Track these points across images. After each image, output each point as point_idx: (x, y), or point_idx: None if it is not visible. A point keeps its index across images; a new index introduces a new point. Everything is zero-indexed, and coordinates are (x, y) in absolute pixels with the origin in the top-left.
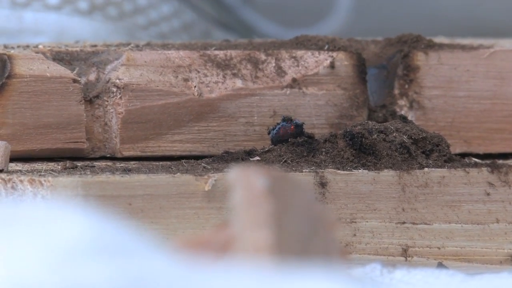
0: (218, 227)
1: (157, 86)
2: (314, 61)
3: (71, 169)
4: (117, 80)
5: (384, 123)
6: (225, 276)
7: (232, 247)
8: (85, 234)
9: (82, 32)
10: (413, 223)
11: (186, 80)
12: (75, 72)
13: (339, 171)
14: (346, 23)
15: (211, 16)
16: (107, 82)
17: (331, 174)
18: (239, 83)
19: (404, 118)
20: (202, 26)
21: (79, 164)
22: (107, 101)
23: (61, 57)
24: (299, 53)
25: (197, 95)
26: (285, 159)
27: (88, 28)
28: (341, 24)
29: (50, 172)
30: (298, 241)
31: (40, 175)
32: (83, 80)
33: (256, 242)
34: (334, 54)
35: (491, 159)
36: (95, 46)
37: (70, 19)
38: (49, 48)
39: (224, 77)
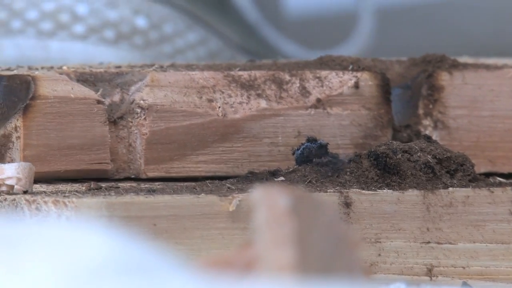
0: (242, 246)
1: (182, 107)
2: (338, 81)
3: (96, 190)
4: (141, 101)
5: (409, 143)
6: None
7: (256, 267)
8: (108, 255)
9: (108, 61)
10: (438, 243)
11: (210, 100)
12: (99, 93)
13: (363, 191)
14: (368, 44)
15: (236, 44)
16: (131, 103)
17: (356, 194)
18: (263, 103)
19: (428, 138)
20: (228, 53)
21: (104, 185)
22: (132, 122)
23: (85, 78)
24: (323, 73)
25: (222, 115)
26: (309, 179)
27: (114, 57)
28: (363, 45)
29: (75, 193)
30: (321, 260)
31: (64, 196)
32: (107, 101)
33: (279, 261)
34: (358, 74)
35: None
36: (119, 67)
37: (96, 48)
38: (73, 69)
39: (248, 97)
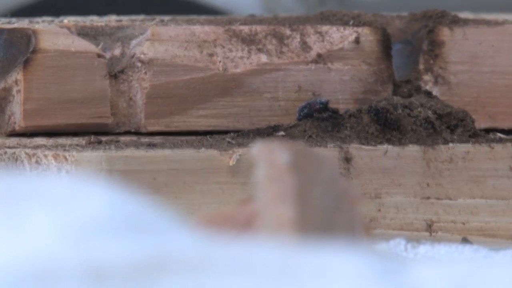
0: (242, 202)
1: (182, 61)
2: (339, 36)
3: (96, 144)
4: (142, 55)
5: (409, 98)
6: (247, 252)
7: (256, 222)
8: (107, 210)
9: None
10: (438, 199)
11: (211, 55)
12: (100, 47)
13: (363, 146)
14: None
15: None
16: (132, 57)
17: (356, 149)
18: (264, 58)
19: (429, 93)
20: None
21: (104, 139)
22: (132, 76)
23: (86, 32)
24: (324, 28)
25: (222, 70)
26: (309, 134)
27: None
28: None
29: (75, 147)
30: (322, 216)
31: (64, 150)
32: (108, 55)
33: (279, 217)
34: (359, 29)
35: None
36: (120, 21)
37: None
38: (74, 22)
39: (249, 52)
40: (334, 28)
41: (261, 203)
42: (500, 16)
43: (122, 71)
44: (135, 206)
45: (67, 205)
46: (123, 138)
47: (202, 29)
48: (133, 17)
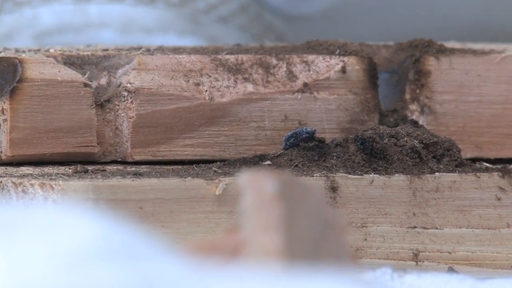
0: (229, 231)
1: (168, 91)
2: (325, 66)
3: (82, 173)
4: (128, 84)
5: (395, 128)
6: (234, 280)
7: (242, 251)
8: (95, 238)
9: (146, 22)
10: (424, 228)
11: (197, 84)
12: (86, 76)
13: (350, 175)
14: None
15: None
16: (118, 86)
17: (342, 178)
18: (250, 87)
19: (415, 123)
20: (257, 7)
21: (90, 168)
22: (118, 105)
23: (72, 61)
24: (310, 57)
25: (208, 99)
26: (296, 163)
27: (152, 17)
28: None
29: (61, 176)
30: (308, 245)
31: (51, 179)
32: (94, 84)
33: (266, 246)
34: (345, 58)
35: (502, 164)
36: (106, 50)
37: (134, 9)
38: (60, 52)
39: (235, 81)
40: (320, 58)
41: (247, 232)
42: (487, 46)
43: (108, 100)
44: (123, 234)
45: (57, 234)
46: (110, 167)
47: (188, 58)
48: (119, 46)
